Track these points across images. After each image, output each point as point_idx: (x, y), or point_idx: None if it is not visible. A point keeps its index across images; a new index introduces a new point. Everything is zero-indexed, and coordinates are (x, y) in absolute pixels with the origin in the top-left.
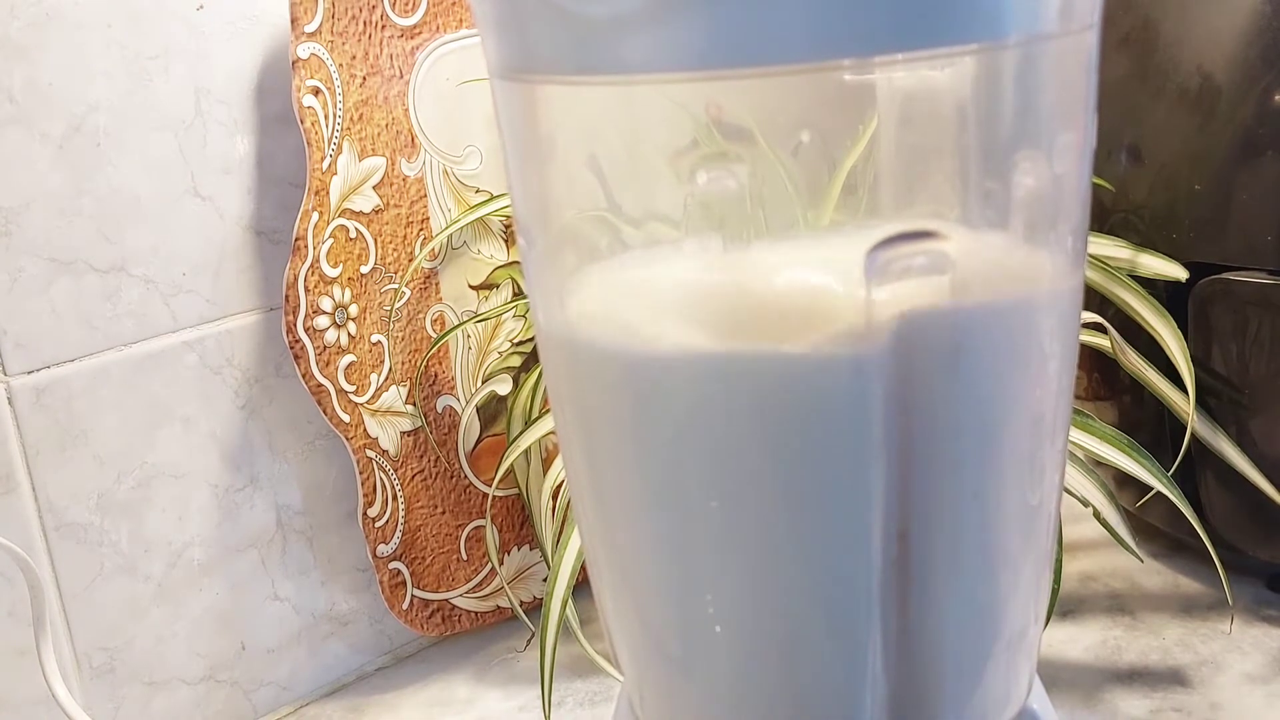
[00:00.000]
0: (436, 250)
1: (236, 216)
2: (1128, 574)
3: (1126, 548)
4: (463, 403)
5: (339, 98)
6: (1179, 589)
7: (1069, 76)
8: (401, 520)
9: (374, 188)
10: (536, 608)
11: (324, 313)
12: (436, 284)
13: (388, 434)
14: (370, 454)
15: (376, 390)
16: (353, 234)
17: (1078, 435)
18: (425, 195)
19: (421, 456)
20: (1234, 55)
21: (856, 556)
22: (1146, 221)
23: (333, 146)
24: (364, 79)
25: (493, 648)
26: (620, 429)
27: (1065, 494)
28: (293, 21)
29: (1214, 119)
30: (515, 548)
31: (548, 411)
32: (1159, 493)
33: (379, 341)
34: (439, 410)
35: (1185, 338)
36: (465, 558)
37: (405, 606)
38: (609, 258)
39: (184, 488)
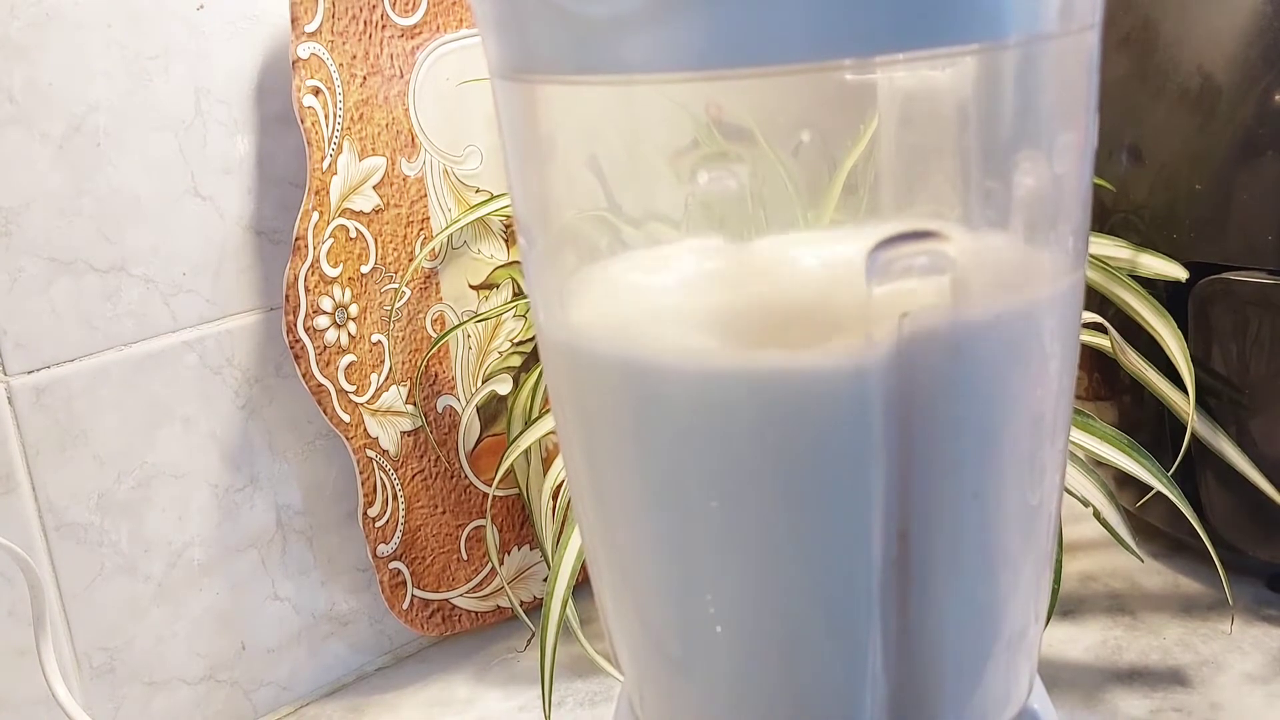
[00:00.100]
0: (436, 250)
1: (236, 216)
2: (1128, 574)
3: (1126, 548)
4: (463, 403)
5: (339, 97)
6: (1179, 589)
7: (1069, 76)
8: (401, 520)
9: (374, 187)
10: (536, 608)
11: (324, 312)
12: (436, 284)
13: (388, 434)
14: (370, 454)
15: (377, 390)
16: (353, 234)
17: (1078, 435)
18: (425, 195)
19: (422, 456)
20: (1234, 55)
21: (856, 556)
22: (1147, 221)
23: (333, 146)
24: (364, 79)
25: (493, 648)
26: (620, 429)
27: (1065, 494)
28: (293, 21)
29: (1214, 119)
30: (515, 548)
31: (548, 411)
32: (1159, 493)
33: (379, 341)
34: (439, 410)
35: (1185, 338)
36: (465, 558)
37: (405, 606)
38: (609, 258)
39: (184, 488)
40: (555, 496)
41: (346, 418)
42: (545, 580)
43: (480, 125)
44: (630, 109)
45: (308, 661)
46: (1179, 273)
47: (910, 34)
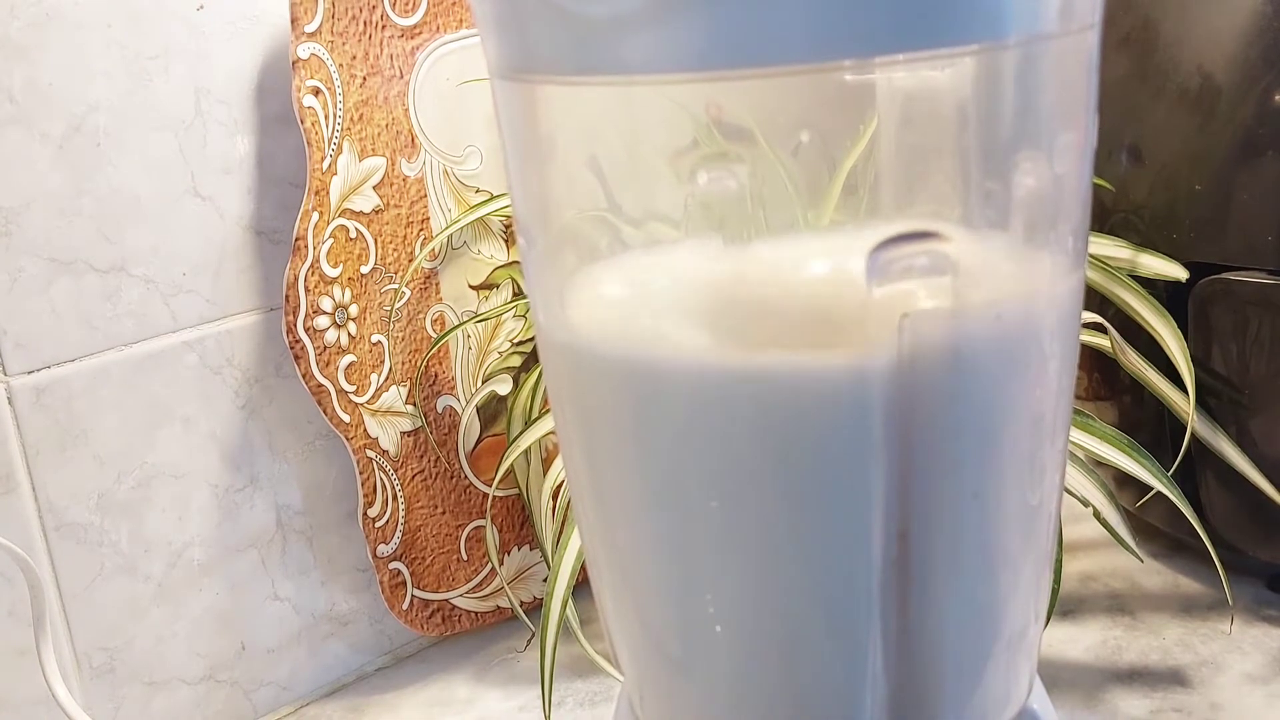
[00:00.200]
0: (436, 250)
1: (236, 216)
2: (1128, 574)
3: (1126, 548)
4: (463, 403)
5: (339, 98)
6: (1179, 589)
7: (1069, 76)
8: (401, 520)
9: (374, 188)
10: (536, 608)
11: (324, 313)
12: (436, 284)
13: (388, 434)
14: (370, 454)
15: (376, 390)
16: (353, 234)
17: (1078, 435)
18: (425, 195)
19: (421, 456)
20: (1234, 55)
21: (856, 556)
22: (1146, 221)
23: (333, 146)
24: (364, 79)
25: (493, 648)
26: (620, 429)
27: (1065, 494)
28: (293, 21)
29: (1214, 119)
30: (515, 548)
31: (548, 411)
32: (1159, 493)
33: (379, 341)
34: (439, 410)
35: (1185, 338)
36: (465, 558)
37: (405, 606)
38: (609, 258)
39: (184, 488)
40: (555, 496)
41: (346, 418)
42: (545, 580)
43: (480, 125)
44: (630, 109)
45: (308, 661)
46: (1179, 273)
47: (910, 34)
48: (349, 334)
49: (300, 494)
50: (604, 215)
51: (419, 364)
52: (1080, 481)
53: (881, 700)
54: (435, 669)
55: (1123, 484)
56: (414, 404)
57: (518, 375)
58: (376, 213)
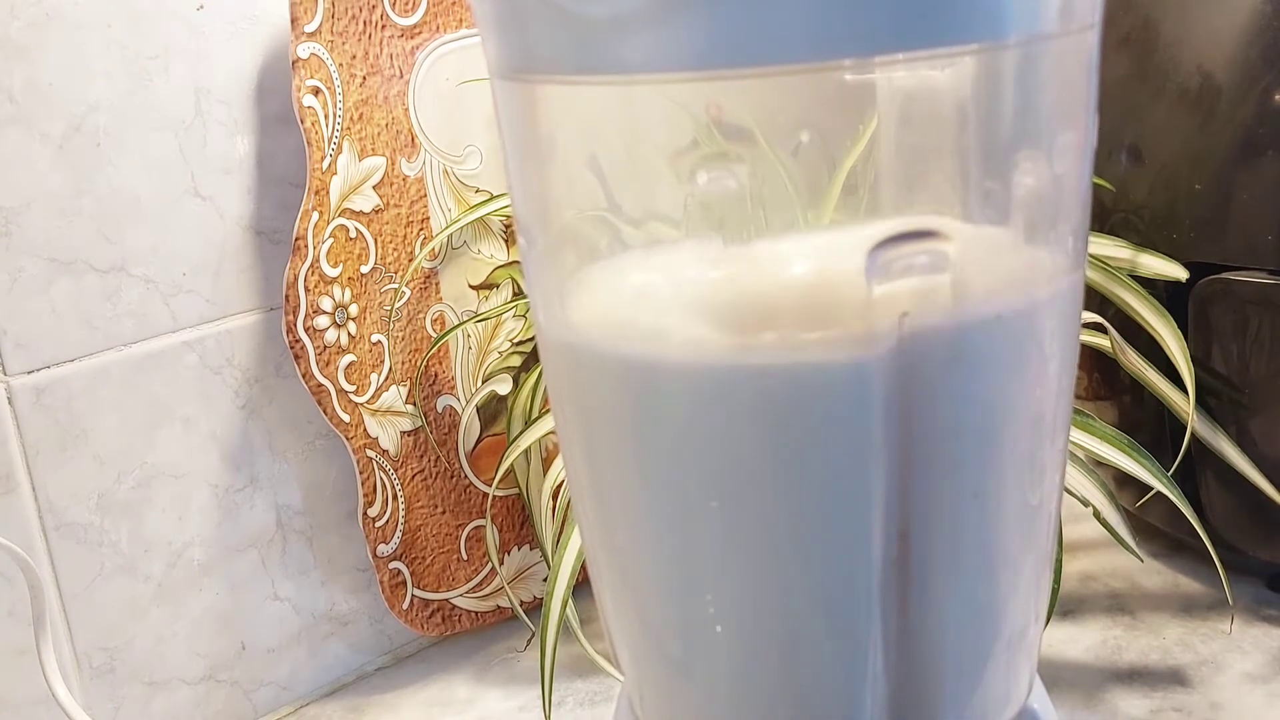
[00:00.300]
0: (436, 250)
1: (236, 216)
2: (1128, 574)
3: (1126, 548)
4: (463, 403)
5: (339, 97)
6: (1179, 589)
7: (1069, 76)
8: (401, 520)
9: (374, 187)
10: (536, 608)
11: (324, 312)
12: (436, 284)
13: (388, 434)
14: (370, 454)
15: (376, 390)
16: (353, 234)
17: (1078, 435)
18: (425, 195)
19: (421, 456)
20: (1234, 55)
21: (856, 556)
22: (1146, 221)
23: (333, 146)
24: (364, 79)
25: (493, 648)
26: (620, 429)
27: (1065, 494)
28: (293, 21)
29: (1214, 119)
30: (515, 548)
31: (548, 411)
32: (1159, 493)
33: (379, 341)
34: (439, 410)
35: (1185, 338)
36: (465, 558)
37: (405, 606)
38: (609, 258)
39: (184, 488)
40: (555, 496)
41: (346, 418)
42: (545, 580)
43: (480, 125)
44: (630, 109)
45: (308, 661)
46: (1179, 273)
47: (910, 34)
48: (349, 334)
49: (300, 494)
50: (604, 215)
51: (419, 364)
52: (1080, 481)
53: (881, 700)
54: (435, 669)
55: (1123, 484)
56: (414, 404)
57: (518, 375)
58: (376, 212)
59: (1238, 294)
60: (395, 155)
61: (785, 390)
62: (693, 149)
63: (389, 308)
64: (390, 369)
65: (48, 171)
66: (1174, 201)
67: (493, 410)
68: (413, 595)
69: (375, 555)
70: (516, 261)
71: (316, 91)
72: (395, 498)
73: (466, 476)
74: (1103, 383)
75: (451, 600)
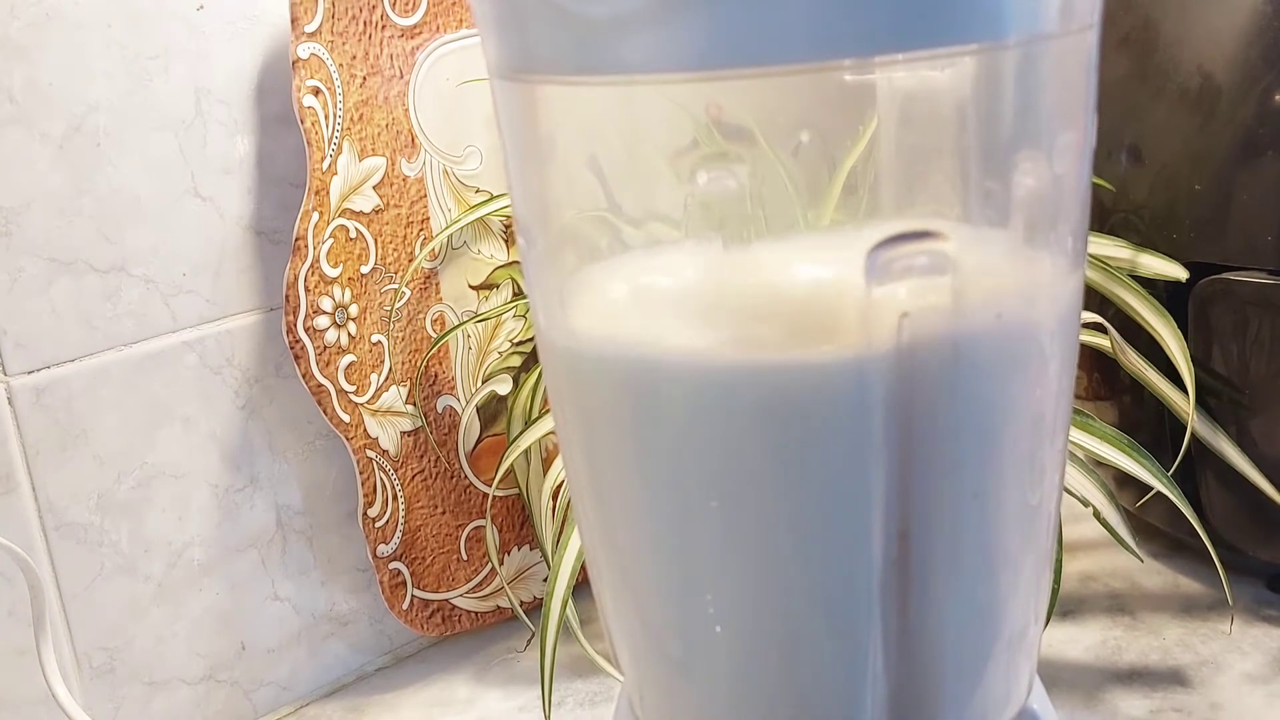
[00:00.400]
0: (436, 250)
1: (236, 216)
2: (1128, 574)
3: (1126, 548)
4: (463, 403)
5: (339, 98)
6: (1179, 589)
7: (1069, 76)
8: (401, 520)
9: (374, 188)
10: (536, 608)
11: (324, 313)
12: (436, 284)
13: (388, 434)
14: (370, 454)
15: (376, 390)
16: (353, 234)
17: (1078, 435)
18: (425, 195)
19: (421, 456)
20: (1234, 55)
21: (856, 556)
22: (1146, 221)
23: (333, 146)
24: (364, 79)
25: (493, 648)
26: (620, 429)
27: (1065, 494)
28: (293, 21)
29: (1214, 119)
30: (515, 548)
31: (548, 411)
32: (1159, 493)
33: (379, 341)
34: (439, 410)
35: (1185, 338)
36: (465, 558)
37: (405, 606)
38: (609, 258)
39: (184, 488)
40: (555, 496)
41: (346, 418)
42: (545, 580)
43: (480, 125)
44: (630, 109)
45: (308, 661)
46: (1179, 273)
47: (910, 34)
48: (349, 334)
49: (300, 494)
50: (604, 215)
51: (419, 364)
52: (1080, 481)
53: (881, 700)
54: (435, 669)
55: (1123, 484)
56: (414, 404)
57: (518, 375)
58: (376, 213)
59: (1238, 294)
60: (395, 155)
61: (785, 391)
62: (693, 149)
63: (389, 308)
64: (390, 369)
65: (48, 171)
66: (1174, 201)
67: (493, 410)
68: (413, 595)
69: (375, 555)
70: (516, 261)
71: (316, 92)
72: (395, 498)
73: (466, 477)
74: (1103, 383)
75: (451, 600)
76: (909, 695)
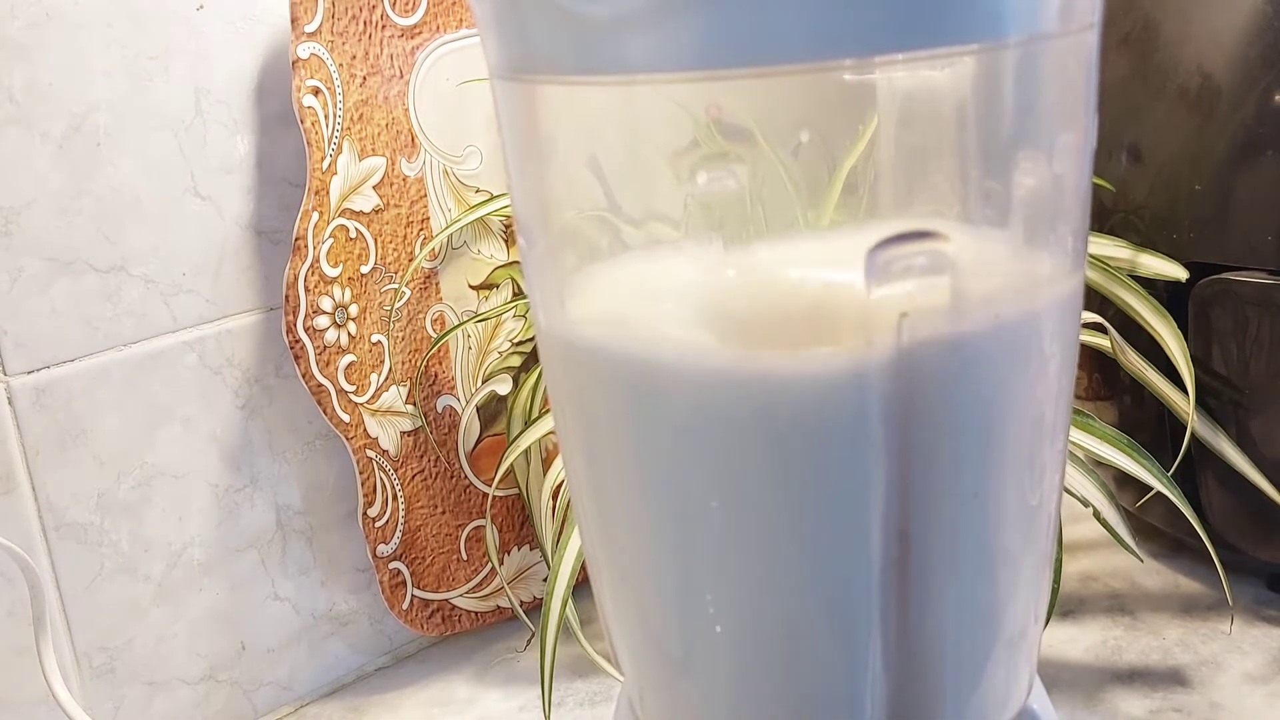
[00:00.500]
0: (436, 250)
1: (236, 216)
2: (1128, 574)
3: (1126, 548)
4: (463, 403)
5: (339, 98)
6: (1179, 589)
7: (1069, 76)
8: (401, 520)
9: (374, 188)
10: (536, 608)
11: (324, 313)
12: (436, 284)
13: (388, 434)
14: (370, 454)
15: (376, 390)
16: (353, 234)
17: (1078, 435)
18: (425, 195)
19: (421, 456)
20: (1234, 55)
21: (856, 556)
22: (1146, 221)
23: (333, 146)
24: (364, 79)
25: (493, 648)
26: (620, 429)
27: (1065, 494)
28: (293, 21)
29: (1214, 119)
30: (515, 548)
31: (548, 411)
32: (1159, 493)
33: (379, 341)
34: (439, 410)
35: (1185, 338)
36: (465, 558)
37: (405, 606)
38: (609, 258)
39: (184, 488)
40: (555, 496)
41: (346, 418)
42: (545, 580)
43: (480, 125)
44: (630, 109)
45: (308, 661)
46: (1179, 273)
47: (910, 34)
48: (349, 334)
49: (300, 494)
50: (604, 215)
51: (419, 364)
52: (1080, 481)
53: (881, 700)
54: (435, 669)
55: (1123, 484)
56: (414, 404)
57: (518, 375)
58: (376, 212)
59: (1238, 294)
60: (395, 155)
61: (785, 391)
62: (693, 149)
63: (389, 308)
64: (390, 369)
65: (48, 171)
66: (1174, 201)
67: (493, 410)
68: (413, 595)
69: (375, 555)
70: (516, 261)
71: (316, 91)
72: (395, 498)
73: (466, 476)
74: (1103, 383)
75: (451, 600)
76: (909, 695)
